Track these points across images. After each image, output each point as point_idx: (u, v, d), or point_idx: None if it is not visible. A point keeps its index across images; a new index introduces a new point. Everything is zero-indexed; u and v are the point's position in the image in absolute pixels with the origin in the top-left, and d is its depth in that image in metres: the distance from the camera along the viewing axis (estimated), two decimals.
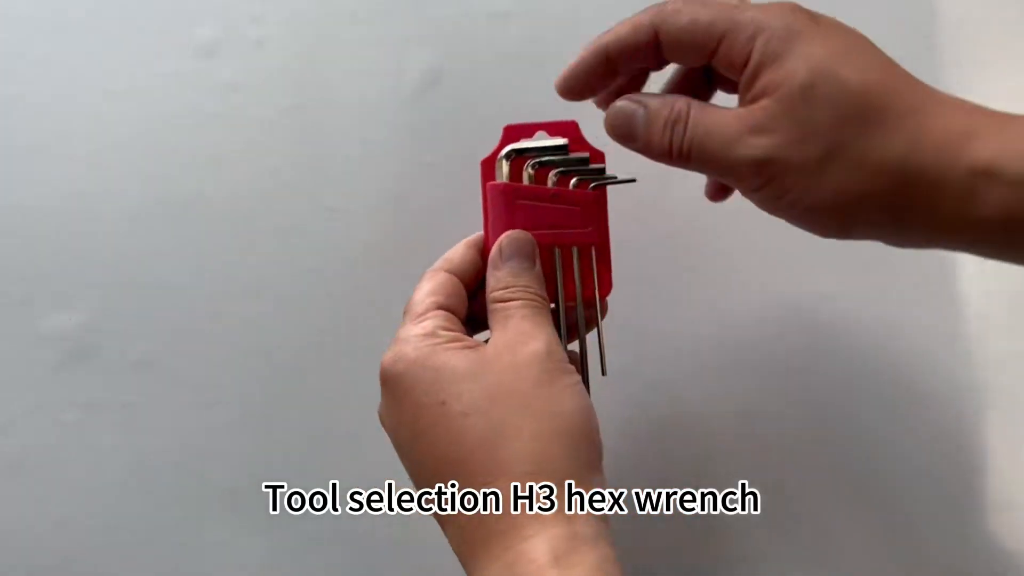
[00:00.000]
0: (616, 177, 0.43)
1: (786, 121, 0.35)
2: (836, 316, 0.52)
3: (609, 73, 0.40)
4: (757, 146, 0.36)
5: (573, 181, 0.43)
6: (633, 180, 0.43)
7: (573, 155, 0.43)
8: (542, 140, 0.43)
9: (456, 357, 0.37)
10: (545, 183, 0.43)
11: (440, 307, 0.40)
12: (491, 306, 0.40)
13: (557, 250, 0.42)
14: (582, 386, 0.38)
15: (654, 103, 0.39)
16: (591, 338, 0.43)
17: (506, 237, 0.41)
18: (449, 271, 0.42)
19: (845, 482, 0.51)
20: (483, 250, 0.42)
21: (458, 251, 0.43)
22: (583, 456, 0.36)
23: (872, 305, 0.52)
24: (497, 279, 0.40)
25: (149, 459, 0.52)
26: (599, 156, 0.44)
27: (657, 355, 0.52)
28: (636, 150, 0.40)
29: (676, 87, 0.43)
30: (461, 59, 0.53)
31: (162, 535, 0.52)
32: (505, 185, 0.42)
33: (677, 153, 0.38)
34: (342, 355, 0.52)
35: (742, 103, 0.37)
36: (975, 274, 0.52)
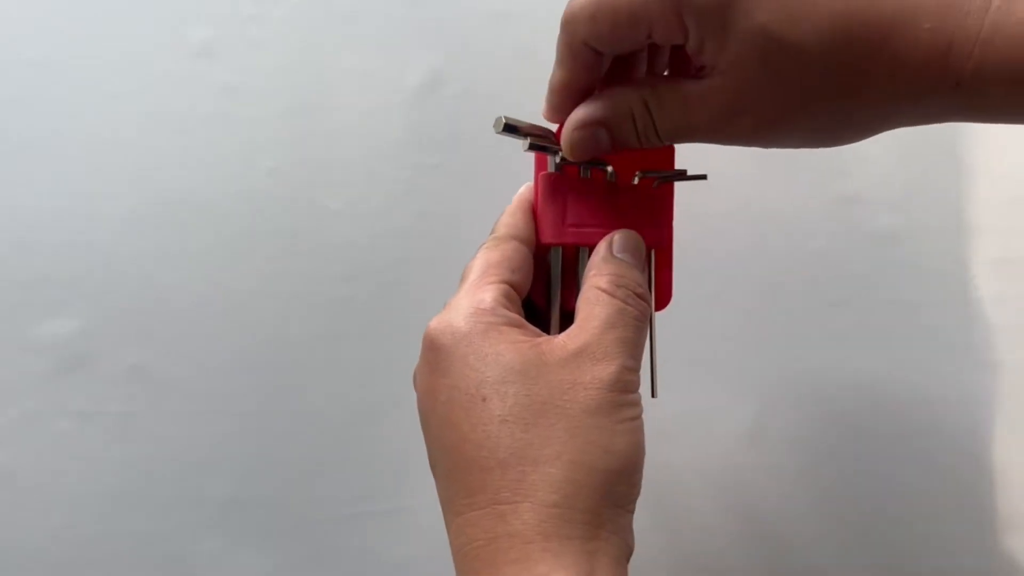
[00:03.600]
0: (685, 172, 0.38)
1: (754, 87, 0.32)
2: (844, 324, 0.52)
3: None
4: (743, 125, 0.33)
5: (636, 175, 0.38)
6: (703, 177, 0.38)
7: None
8: None
9: (511, 349, 0.33)
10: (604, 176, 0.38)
11: (504, 281, 0.36)
12: (590, 292, 0.35)
13: None
14: (640, 422, 0.34)
15: (612, 118, 0.35)
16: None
17: (618, 233, 0.37)
18: (518, 240, 0.37)
19: (855, 494, 0.51)
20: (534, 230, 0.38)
21: (519, 217, 0.38)
22: (617, 495, 0.32)
23: (881, 314, 0.52)
24: (608, 267, 0.35)
25: (145, 469, 0.51)
26: (668, 149, 0.39)
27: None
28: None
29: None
30: (463, 60, 0.52)
31: (158, 546, 0.50)
32: (557, 176, 0.38)
33: (655, 143, 0.36)
34: (344, 362, 0.51)
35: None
36: (988, 280, 0.52)
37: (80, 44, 0.51)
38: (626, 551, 0.33)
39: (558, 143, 0.37)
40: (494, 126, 0.36)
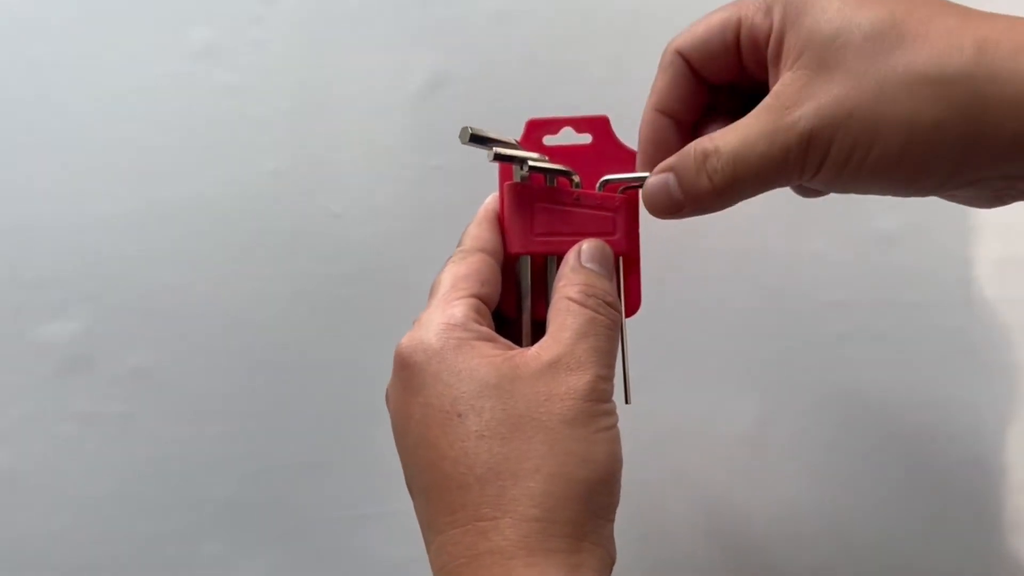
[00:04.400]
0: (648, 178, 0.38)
1: (819, 81, 0.32)
2: (851, 326, 0.51)
3: (677, 132, 0.37)
4: (799, 119, 0.32)
5: (600, 182, 0.38)
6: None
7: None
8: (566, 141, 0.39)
9: (485, 364, 0.33)
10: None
11: (474, 294, 0.36)
12: (560, 302, 0.35)
13: None
14: (616, 431, 0.34)
15: (674, 161, 0.35)
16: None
17: (586, 242, 0.37)
18: (485, 252, 0.37)
19: (856, 496, 0.51)
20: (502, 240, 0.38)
21: (485, 228, 0.38)
22: (598, 506, 0.32)
23: (881, 316, 0.51)
24: (578, 277, 0.36)
25: (146, 471, 0.51)
26: (630, 156, 0.39)
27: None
28: (689, 214, 0.35)
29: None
30: (466, 60, 0.51)
31: (158, 548, 0.51)
32: (523, 185, 0.38)
33: (724, 186, 0.33)
34: (346, 365, 0.51)
35: (772, 82, 0.33)
36: (990, 281, 0.51)
37: (81, 44, 0.51)
38: (609, 562, 0.33)
39: (524, 153, 0.37)
40: (459, 136, 0.35)
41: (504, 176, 0.39)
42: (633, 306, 0.39)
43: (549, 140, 0.39)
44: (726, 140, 0.33)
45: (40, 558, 0.51)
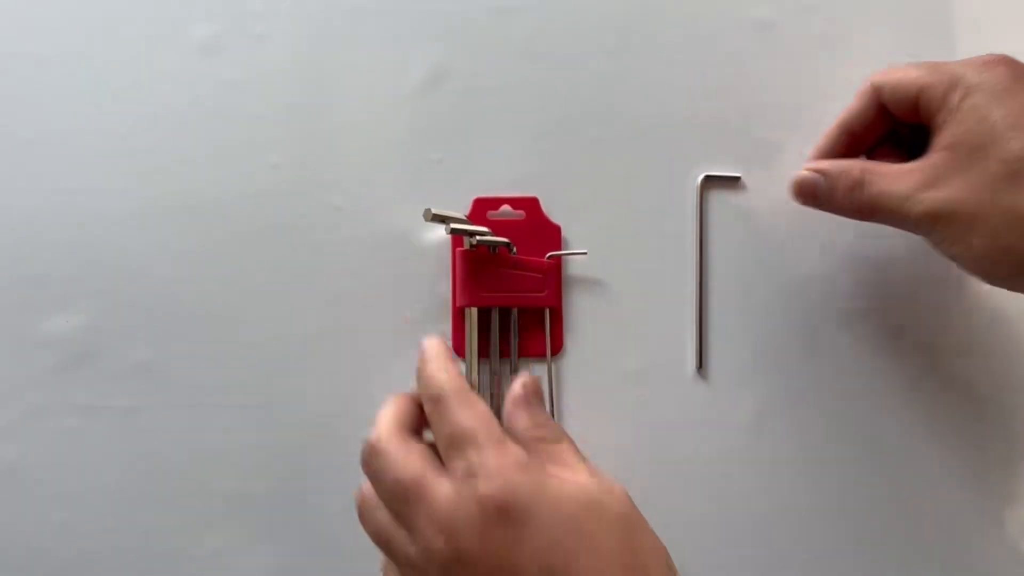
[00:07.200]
0: (568, 250, 0.49)
1: (955, 177, 0.40)
2: (849, 324, 0.52)
3: (852, 149, 0.46)
4: (926, 199, 0.40)
5: (547, 256, 0.49)
6: (584, 253, 0.49)
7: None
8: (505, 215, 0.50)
9: (572, 488, 0.36)
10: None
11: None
12: (537, 445, 0.39)
13: (515, 310, 0.49)
14: None
15: (833, 171, 0.44)
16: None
17: (531, 379, 0.41)
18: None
19: (859, 494, 0.52)
20: (452, 318, 0.48)
21: (450, 367, 0.39)
22: None
23: (888, 311, 0.52)
24: (534, 419, 0.40)
25: (150, 464, 0.52)
26: (555, 229, 0.50)
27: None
28: (821, 209, 0.45)
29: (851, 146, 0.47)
30: (468, 55, 0.52)
31: (164, 542, 0.52)
32: (471, 252, 0.48)
33: (856, 212, 0.44)
34: (349, 357, 0.51)
35: (930, 149, 0.42)
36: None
37: (82, 40, 0.52)
38: None
39: (473, 227, 0.47)
40: (423, 215, 0.45)
41: (457, 245, 0.49)
42: (557, 348, 0.49)
43: (492, 214, 0.49)
44: (875, 183, 0.42)
45: (43, 551, 0.51)
